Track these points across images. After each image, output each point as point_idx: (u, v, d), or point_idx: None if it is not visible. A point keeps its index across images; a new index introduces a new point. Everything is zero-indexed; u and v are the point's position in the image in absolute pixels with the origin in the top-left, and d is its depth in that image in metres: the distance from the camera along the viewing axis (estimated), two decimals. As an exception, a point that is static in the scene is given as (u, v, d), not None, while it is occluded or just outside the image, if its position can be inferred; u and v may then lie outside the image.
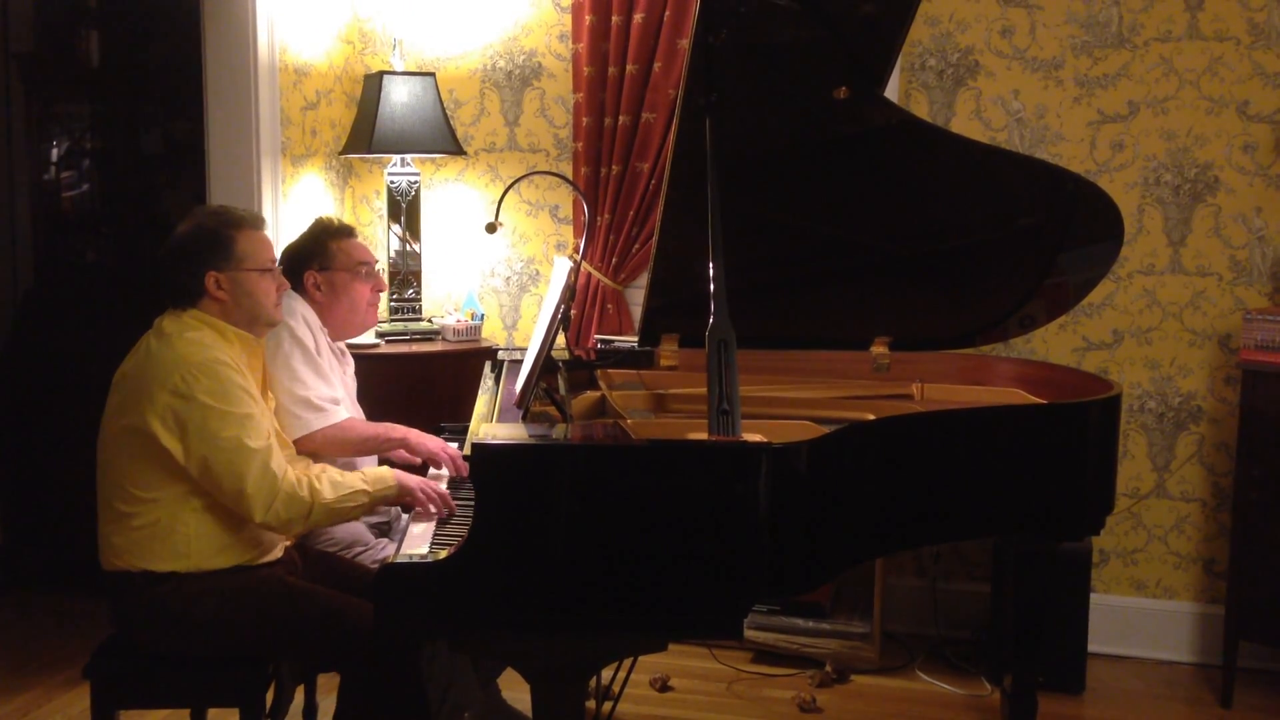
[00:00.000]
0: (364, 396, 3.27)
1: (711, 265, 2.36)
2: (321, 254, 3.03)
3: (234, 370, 2.45)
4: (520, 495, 2.08)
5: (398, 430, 2.99)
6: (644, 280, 4.16)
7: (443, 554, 2.10)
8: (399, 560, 2.12)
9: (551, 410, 2.71)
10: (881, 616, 3.77)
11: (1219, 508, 3.85)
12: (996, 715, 3.45)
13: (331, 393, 2.94)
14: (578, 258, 4.09)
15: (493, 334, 4.37)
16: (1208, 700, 3.61)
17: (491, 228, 3.39)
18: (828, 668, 3.68)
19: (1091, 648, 3.70)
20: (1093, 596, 3.69)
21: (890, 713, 3.48)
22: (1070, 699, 3.60)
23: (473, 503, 2.60)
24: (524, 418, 2.54)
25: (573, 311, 4.10)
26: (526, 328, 4.37)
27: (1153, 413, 3.90)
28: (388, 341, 4.00)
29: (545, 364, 2.69)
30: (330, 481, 2.48)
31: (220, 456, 2.37)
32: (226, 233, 2.54)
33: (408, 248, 4.14)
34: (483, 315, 4.22)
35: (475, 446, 2.08)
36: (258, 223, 2.63)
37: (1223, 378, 3.82)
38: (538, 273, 4.36)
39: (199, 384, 2.38)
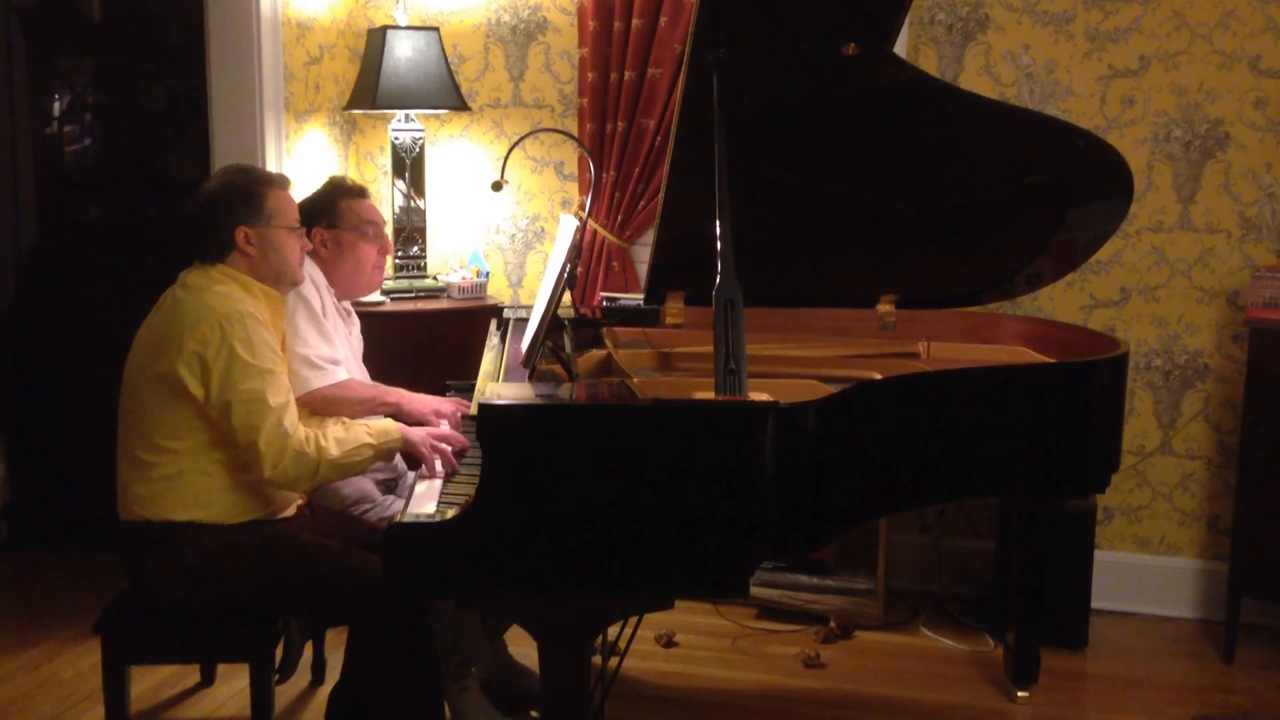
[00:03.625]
0: (369, 355, 3.27)
1: (718, 224, 2.35)
2: (331, 211, 3.02)
3: (263, 325, 2.50)
4: (527, 455, 2.08)
5: (392, 394, 2.99)
6: (649, 237, 4.14)
7: (450, 513, 2.11)
8: (406, 520, 2.13)
9: (557, 369, 2.71)
10: (885, 573, 3.78)
11: (1224, 465, 3.85)
12: (999, 670, 3.47)
13: (332, 353, 2.94)
14: (584, 215, 4.08)
15: (497, 291, 4.36)
16: (1210, 655, 3.63)
17: (497, 186, 3.38)
18: (832, 624, 3.70)
19: (1095, 604, 3.72)
20: (1096, 553, 3.70)
21: (894, 668, 3.50)
22: (1073, 654, 3.62)
23: (479, 453, 2.63)
24: (530, 377, 2.55)
25: (578, 269, 4.09)
26: (531, 285, 4.36)
27: (1159, 370, 3.89)
28: (393, 299, 4.00)
29: (551, 322, 2.69)
30: (335, 438, 2.50)
31: (239, 408, 2.41)
32: (258, 189, 2.59)
33: (412, 203, 4.13)
34: (488, 272, 4.21)
35: (482, 406, 2.08)
36: (285, 183, 2.68)
37: (1230, 335, 3.81)
38: (543, 229, 4.35)
39: (230, 333, 2.42)
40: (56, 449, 4.41)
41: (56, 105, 4.60)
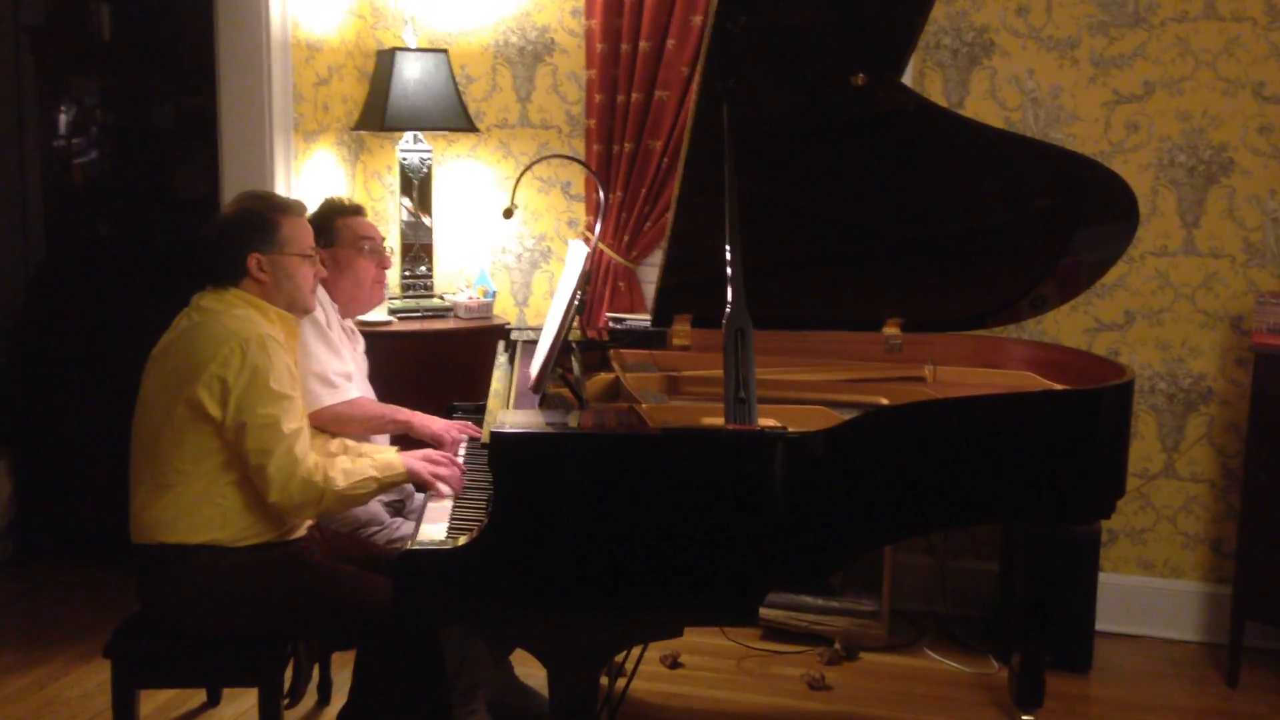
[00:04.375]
0: (376, 374, 3.29)
1: (729, 252, 2.36)
2: (327, 230, 3.06)
3: (284, 350, 2.52)
4: (538, 484, 2.09)
5: (402, 413, 3.02)
6: (655, 258, 4.17)
7: (461, 540, 2.12)
8: (418, 547, 2.14)
9: (565, 392, 2.72)
10: (890, 594, 3.79)
11: (1228, 489, 3.86)
12: (1004, 693, 3.48)
13: (344, 368, 2.97)
14: (592, 237, 4.10)
15: (504, 310, 4.38)
16: (1214, 679, 3.64)
17: (508, 213, 3.40)
18: (837, 645, 3.71)
19: (1098, 626, 3.73)
20: (1100, 575, 3.71)
21: (899, 691, 3.51)
22: (1077, 677, 3.63)
23: (489, 478, 2.63)
24: (540, 403, 2.56)
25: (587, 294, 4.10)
26: (538, 304, 4.38)
27: (1163, 394, 3.90)
28: (400, 319, 4.01)
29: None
30: (343, 470, 2.52)
31: (254, 431, 2.43)
32: (272, 217, 2.60)
33: (420, 220, 4.14)
34: (494, 292, 4.22)
35: (494, 435, 2.09)
36: (300, 209, 2.70)
37: (1234, 359, 3.82)
38: (549, 249, 4.36)
39: (251, 356, 2.44)
40: (63, 466, 4.42)
41: (65, 122, 4.62)
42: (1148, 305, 3.89)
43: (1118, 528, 3.96)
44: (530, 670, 3.25)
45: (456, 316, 4.10)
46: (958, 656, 3.75)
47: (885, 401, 2.92)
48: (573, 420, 2.36)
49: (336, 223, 3.08)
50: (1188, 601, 3.93)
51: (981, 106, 3.91)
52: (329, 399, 2.89)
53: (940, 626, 3.95)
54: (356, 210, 3.14)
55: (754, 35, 2.50)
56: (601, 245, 4.13)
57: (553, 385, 2.72)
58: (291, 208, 2.67)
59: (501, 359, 3.29)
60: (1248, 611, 3.57)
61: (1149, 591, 3.95)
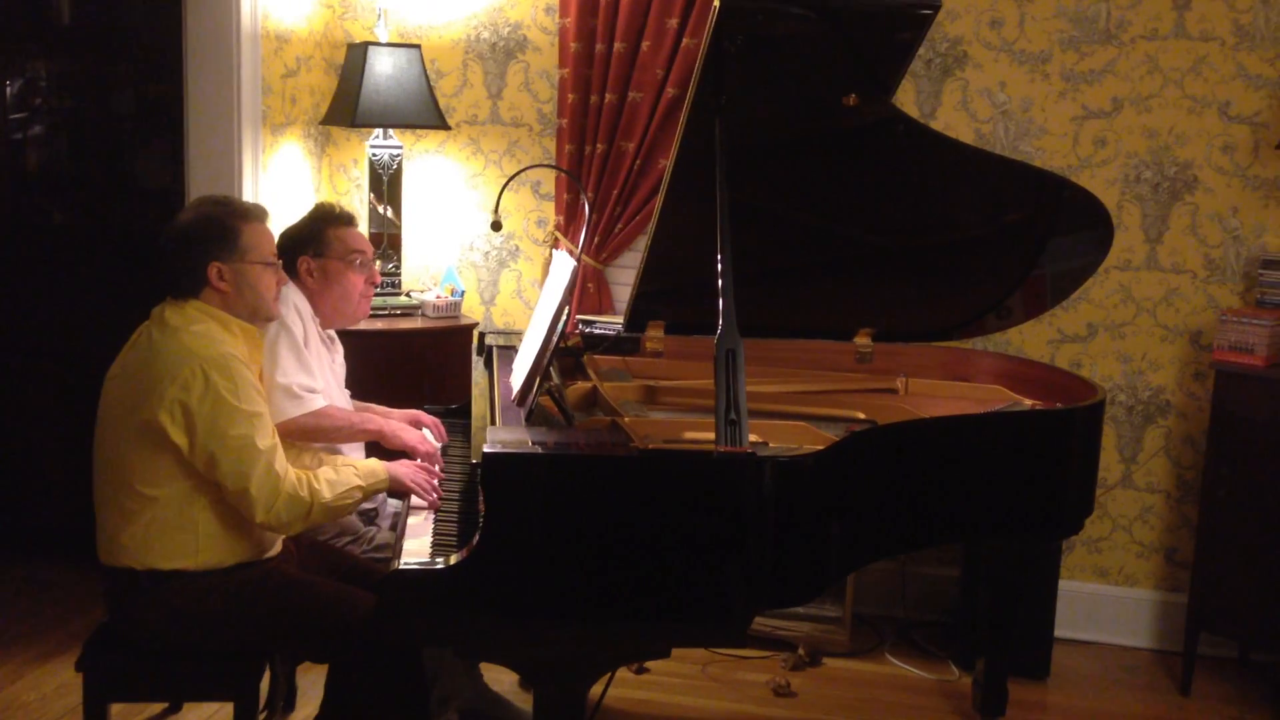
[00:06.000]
0: (347, 375, 3.24)
1: (720, 268, 2.35)
2: (318, 241, 2.98)
3: (245, 365, 2.43)
4: (531, 505, 2.09)
5: (373, 422, 2.95)
6: (625, 259, 4.17)
7: (453, 559, 2.11)
8: (406, 567, 2.13)
9: (548, 403, 2.71)
10: (852, 599, 3.82)
11: (1183, 499, 3.94)
12: (965, 700, 3.53)
13: (310, 382, 2.87)
14: (565, 242, 4.09)
15: (470, 309, 4.34)
16: (1167, 687, 3.72)
17: (496, 226, 3.38)
18: (800, 650, 3.74)
19: (1056, 633, 3.79)
20: (1058, 583, 3.77)
21: (863, 697, 3.54)
22: (1035, 684, 3.69)
23: (462, 486, 2.61)
24: (527, 419, 2.54)
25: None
26: (504, 304, 4.35)
27: (1123, 405, 3.97)
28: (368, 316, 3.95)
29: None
30: (327, 480, 2.46)
31: (227, 455, 2.34)
32: (232, 224, 2.50)
33: (386, 214, 4.08)
34: (463, 291, 4.18)
35: (486, 456, 2.08)
36: (262, 215, 2.60)
37: (1192, 373, 3.89)
38: (517, 248, 4.33)
39: (212, 379, 2.34)
40: (16, 463, 4.31)
41: (21, 109, 4.49)
42: (1110, 318, 3.95)
43: (1075, 536, 4.02)
44: (497, 676, 3.24)
45: (424, 315, 4.05)
46: (919, 663, 3.79)
47: (862, 415, 2.94)
48: (563, 439, 2.35)
49: (329, 233, 3.00)
50: (1142, 609, 4.01)
51: (953, 118, 3.94)
52: (294, 411, 2.81)
53: (901, 631, 3.99)
54: (349, 220, 3.06)
55: (749, 53, 2.49)
56: (588, 260, 4.11)
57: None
58: (252, 213, 2.57)
59: (476, 358, 3.27)
60: (1203, 623, 3.65)
61: (1105, 599, 4.03)
